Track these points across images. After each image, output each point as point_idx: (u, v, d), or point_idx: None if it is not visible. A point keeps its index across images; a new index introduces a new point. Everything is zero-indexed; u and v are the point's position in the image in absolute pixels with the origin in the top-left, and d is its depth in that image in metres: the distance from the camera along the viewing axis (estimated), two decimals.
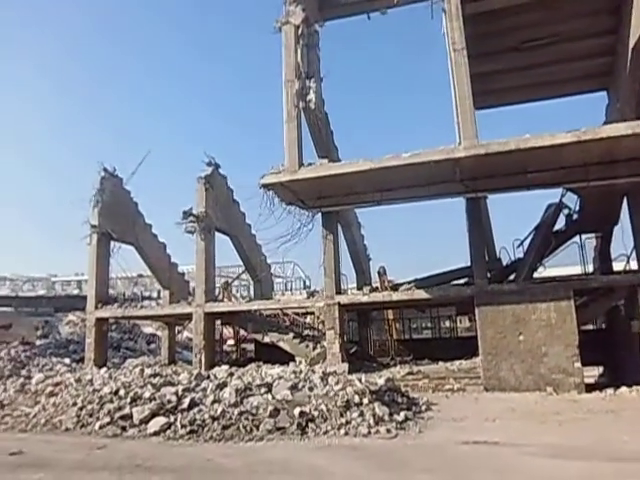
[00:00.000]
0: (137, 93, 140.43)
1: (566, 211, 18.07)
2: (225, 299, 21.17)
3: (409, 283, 17.91)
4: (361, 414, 9.65)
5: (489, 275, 16.61)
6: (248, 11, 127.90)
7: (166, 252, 24.28)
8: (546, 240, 17.54)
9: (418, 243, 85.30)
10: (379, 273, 18.60)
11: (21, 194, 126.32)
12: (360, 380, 11.33)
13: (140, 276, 49.36)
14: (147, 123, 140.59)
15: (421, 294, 16.53)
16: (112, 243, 21.69)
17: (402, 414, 10.14)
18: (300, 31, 16.14)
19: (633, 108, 15.00)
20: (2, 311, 58.49)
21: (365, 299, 17.07)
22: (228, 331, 25.99)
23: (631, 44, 14.67)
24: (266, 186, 15.40)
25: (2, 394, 13.37)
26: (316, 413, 9.61)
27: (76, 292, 66.37)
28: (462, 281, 18.13)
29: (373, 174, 14.55)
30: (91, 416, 10.39)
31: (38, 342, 29.54)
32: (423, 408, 11.58)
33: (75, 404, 11.00)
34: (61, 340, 32.20)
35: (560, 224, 18.29)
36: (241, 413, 9.62)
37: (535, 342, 14.55)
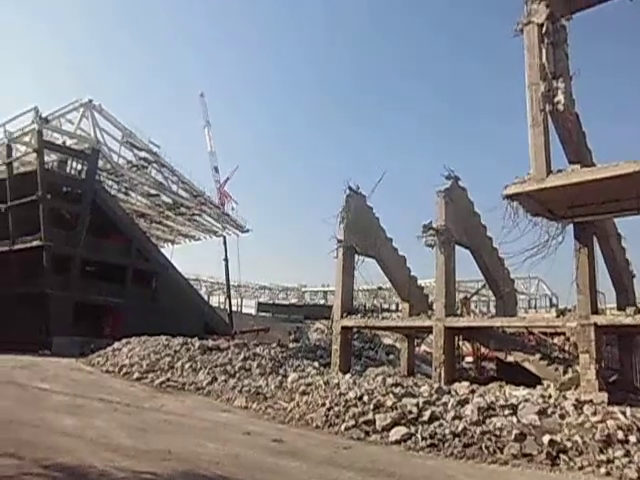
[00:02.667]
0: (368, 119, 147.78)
1: None
2: (464, 314, 20.67)
3: None
4: (627, 454, 8.36)
5: None
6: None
7: (406, 265, 24.82)
8: None
9: None
10: None
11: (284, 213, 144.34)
12: (624, 414, 9.86)
13: (380, 289, 51.51)
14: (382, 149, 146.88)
15: None
16: (356, 256, 23.05)
17: None
18: (544, 29, 15.06)
19: None
20: (263, 316, 66.71)
21: (628, 321, 14.85)
22: (466, 347, 25.28)
23: None
24: (510, 197, 14.60)
25: (265, 388, 15.19)
26: (569, 444, 8.67)
27: (322, 302, 72.41)
28: None
29: (638, 178, 12.66)
30: (337, 417, 11.11)
31: (291, 345, 32.88)
32: None
33: (324, 405, 11.89)
34: (310, 345, 35.29)
35: None
36: (483, 433, 9.22)
37: None
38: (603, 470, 7.98)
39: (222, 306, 60.67)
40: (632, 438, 8.72)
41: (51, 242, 36.20)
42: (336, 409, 11.47)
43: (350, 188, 23.36)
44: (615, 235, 19.19)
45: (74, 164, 41.09)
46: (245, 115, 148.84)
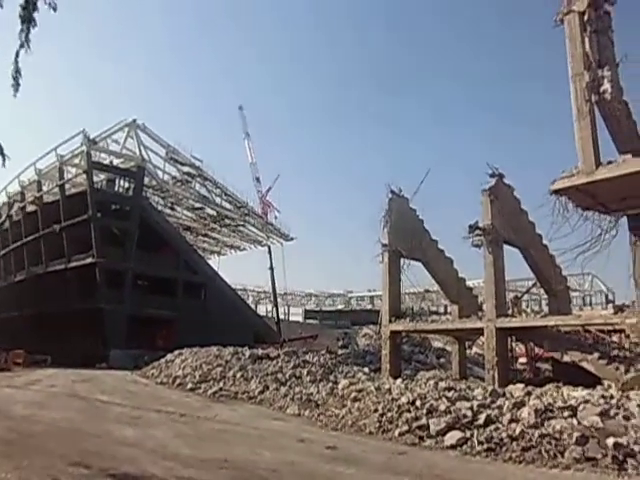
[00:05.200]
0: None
1: None
2: (515, 314, 20.19)
3: None
4: None
5: None
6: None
7: (453, 267, 24.48)
8: None
9: None
10: None
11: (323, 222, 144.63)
12: None
13: (427, 291, 50.86)
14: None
15: None
16: (402, 260, 22.90)
17: None
18: (586, 17, 14.65)
19: None
20: (310, 323, 66.89)
21: None
22: (519, 348, 24.69)
23: None
24: (558, 192, 14.26)
25: (316, 395, 15.23)
26: (637, 448, 8.29)
27: (369, 307, 72.04)
28: None
29: None
30: (391, 423, 11.01)
31: (340, 351, 32.92)
32: None
33: (376, 410, 11.81)
34: (359, 350, 35.25)
35: None
36: (542, 436, 8.94)
37: None
38: None
39: (270, 315, 61.26)
40: None
41: (103, 258, 37.55)
42: (389, 415, 11.37)
43: (392, 191, 23.27)
44: None
45: (122, 182, 42.59)
46: (279, 126, 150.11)
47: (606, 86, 14.10)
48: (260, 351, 25.16)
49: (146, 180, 44.06)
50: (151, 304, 39.52)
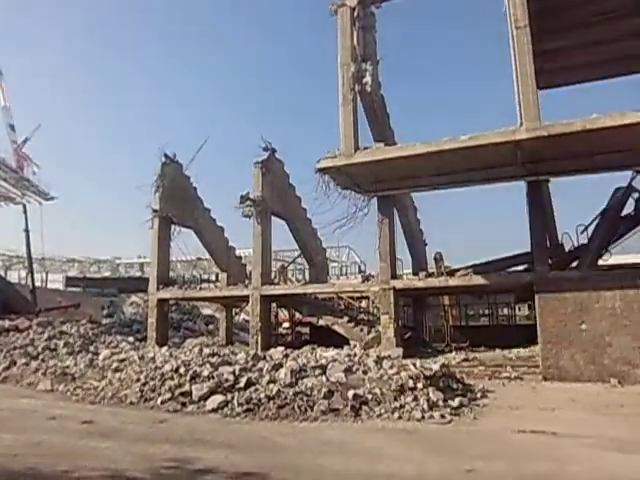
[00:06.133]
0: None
1: (636, 195, 17.11)
2: (281, 282, 21.51)
3: (466, 269, 17.58)
4: (415, 399, 9.63)
5: (550, 261, 16.04)
6: None
7: (224, 236, 24.86)
8: (613, 225, 16.71)
9: (477, 228, 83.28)
10: (436, 259, 18.33)
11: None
12: (415, 365, 11.28)
13: (199, 259, 50.64)
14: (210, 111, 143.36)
15: (478, 280, 16.20)
16: (172, 227, 22.43)
17: (457, 400, 10.04)
18: (356, 13, 15.97)
19: None
20: (72, 291, 61.54)
21: (421, 284, 16.92)
22: (284, 314, 26.40)
23: None
24: (322, 170, 15.42)
25: (73, 368, 14.17)
26: (370, 396, 9.66)
27: (138, 274, 69.05)
28: (522, 267, 17.60)
29: (430, 157, 14.27)
30: (153, 392, 10.87)
31: (104, 321, 31.03)
32: (478, 395, 11.40)
33: (139, 380, 11.52)
34: (125, 319, 33.69)
35: (629, 209, 17.35)
36: (296, 394, 9.79)
37: (598, 331, 13.99)
38: (396, 415, 9.09)
39: (23, 282, 54.32)
40: (419, 385, 10.06)
41: None
42: (151, 383, 11.20)
43: (166, 156, 22.50)
44: (412, 208, 21.48)
45: None
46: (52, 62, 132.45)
47: (367, 79, 15.64)
48: (7, 323, 22.33)
49: None
50: None
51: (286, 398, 9.69)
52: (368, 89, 15.74)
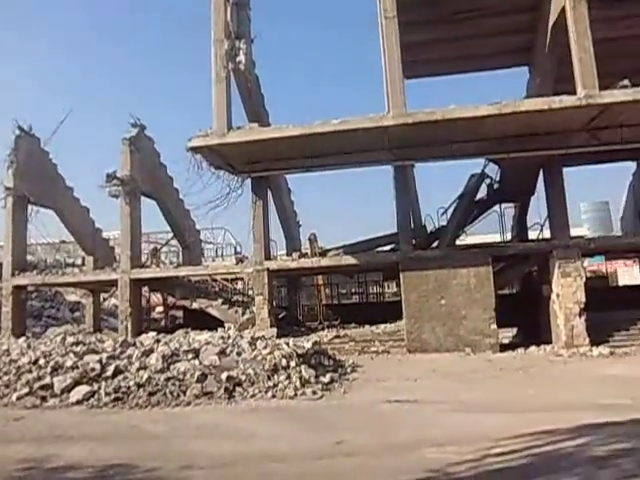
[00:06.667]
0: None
1: (488, 181, 18.82)
2: (154, 265, 20.72)
3: (337, 249, 18.22)
4: (288, 377, 9.87)
5: (414, 242, 17.17)
6: None
7: (89, 217, 23.31)
8: (468, 209, 18.29)
9: (349, 209, 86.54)
10: (310, 240, 18.75)
11: None
12: (288, 344, 11.55)
13: (63, 242, 46.91)
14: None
15: (348, 260, 16.89)
16: (30, 207, 20.56)
17: (328, 376, 10.47)
18: None
19: (551, 84, 15.70)
20: None
21: (294, 265, 17.25)
22: (157, 298, 25.53)
23: (551, 21, 15.24)
24: (194, 149, 14.98)
25: None
26: (244, 377, 9.73)
27: None
28: (389, 247, 18.63)
29: (303, 140, 14.50)
30: (7, 387, 9.99)
31: None
32: (349, 370, 11.99)
33: None
34: None
35: (482, 193, 19.06)
36: (168, 379, 9.57)
37: (455, 306, 15.32)
38: (270, 394, 9.25)
39: None
40: (292, 363, 10.33)
41: None
42: (5, 378, 10.27)
43: (20, 128, 20.44)
44: (286, 190, 21.70)
45: None
46: None
47: (241, 57, 15.41)
48: None
49: None
50: None
51: (157, 384, 9.44)
52: (242, 67, 15.53)
